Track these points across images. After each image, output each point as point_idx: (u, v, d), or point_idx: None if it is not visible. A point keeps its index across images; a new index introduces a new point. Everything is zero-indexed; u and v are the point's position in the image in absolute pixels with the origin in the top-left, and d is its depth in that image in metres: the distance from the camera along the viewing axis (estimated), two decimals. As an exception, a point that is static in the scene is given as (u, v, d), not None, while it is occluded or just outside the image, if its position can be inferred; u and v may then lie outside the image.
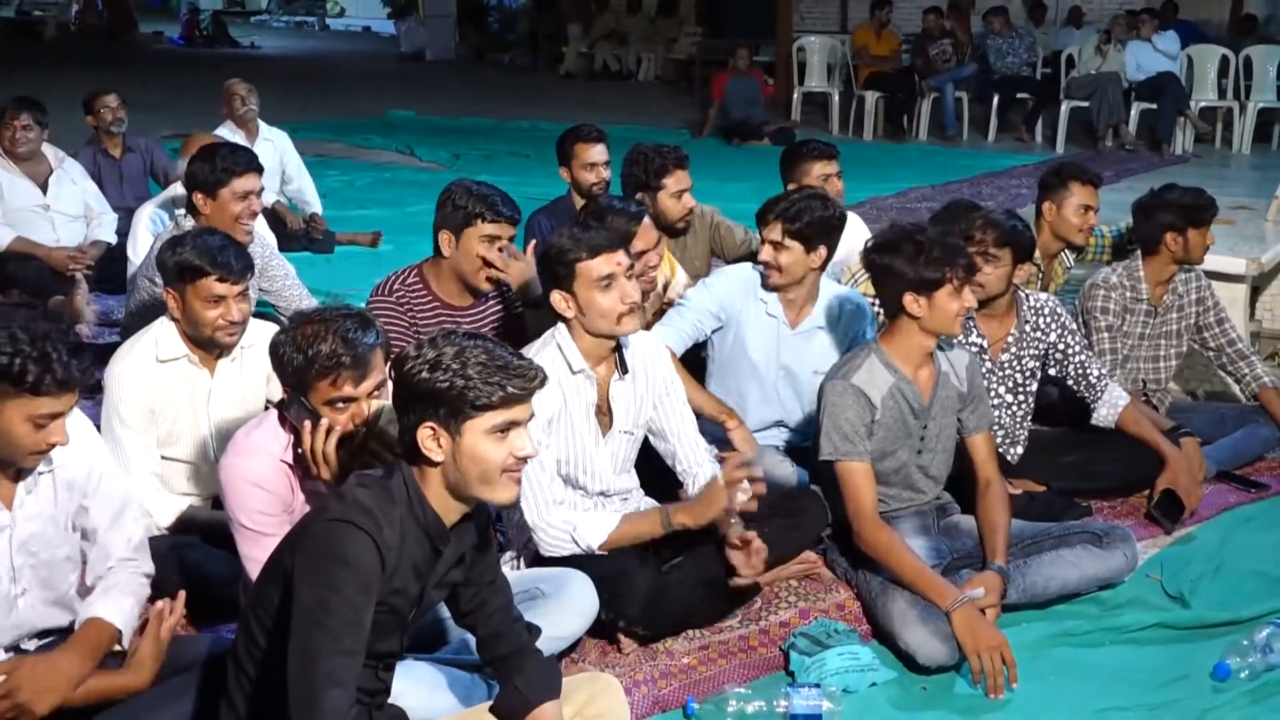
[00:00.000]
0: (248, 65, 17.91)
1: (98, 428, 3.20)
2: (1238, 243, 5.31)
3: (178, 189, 5.28)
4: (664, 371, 3.42)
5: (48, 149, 6.21)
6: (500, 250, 3.73)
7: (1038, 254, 4.31)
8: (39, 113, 6.09)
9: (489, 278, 3.76)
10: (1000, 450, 3.90)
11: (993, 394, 3.90)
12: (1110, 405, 4.06)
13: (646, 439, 3.46)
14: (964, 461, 3.53)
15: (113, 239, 6.15)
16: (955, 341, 3.53)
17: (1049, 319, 4.02)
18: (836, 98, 13.51)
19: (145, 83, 14.56)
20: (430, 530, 2.31)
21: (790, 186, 4.75)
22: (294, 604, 2.18)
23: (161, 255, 3.36)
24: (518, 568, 3.26)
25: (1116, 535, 3.51)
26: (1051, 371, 4.09)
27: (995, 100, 12.72)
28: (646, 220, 3.88)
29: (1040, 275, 4.54)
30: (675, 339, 3.89)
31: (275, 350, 2.68)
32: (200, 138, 5.15)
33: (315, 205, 7.46)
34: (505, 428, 2.25)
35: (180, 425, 3.40)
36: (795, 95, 13.66)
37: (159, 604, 2.70)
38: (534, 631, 2.62)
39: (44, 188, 6.13)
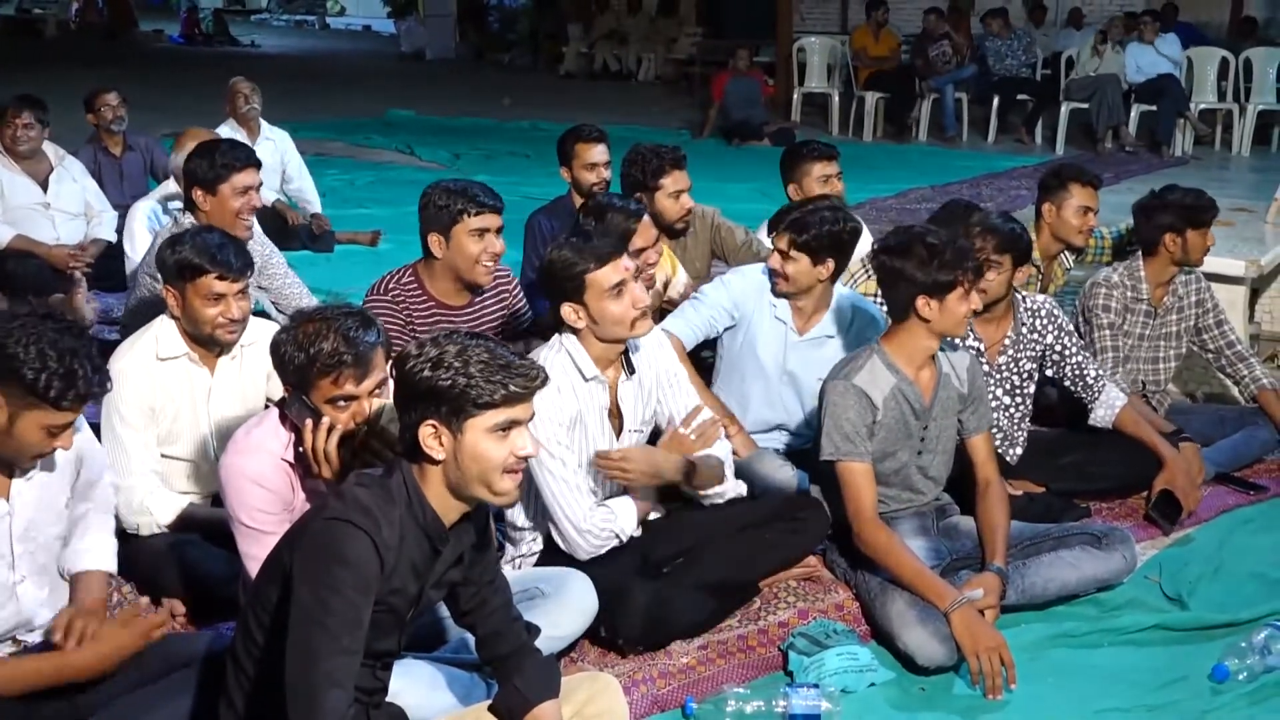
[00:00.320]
0: (248, 64, 17.93)
1: (97, 426, 3.21)
2: (1237, 245, 5.31)
3: (171, 185, 5.28)
4: (666, 364, 3.42)
5: (48, 147, 6.21)
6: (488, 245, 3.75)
7: (1037, 255, 4.32)
8: (40, 111, 6.09)
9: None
10: (999, 451, 3.90)
11: (990, 396, 3.90)
12: (1108, 406, 4.06)
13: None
14: (963, 462, 3.53)
15: (113, 237, 6.15)
16: (956, 342, 3.53)
17: (1046, 320, 4.02)
18: (836, 98, 13.51)
19: (145, 81, 14.55)
20: (429, 530, 2.31)
21: (790, 187, 4.76)
22: (293, 603, 2.18)
23: (161, 253, 3.36)
24: (518, 568, 3.26)
25: (1115, 537, 3.51)
26: (1049, 373, 4.09)
27: (995, 101, 12.73)
28: (645, 218, 3.88)
29: (1040, 276, 4.55)
30: (688, 332, 3.89)
31: (277, 348, 2.68)
32: (194, 133, 5.10)
33: (316, 205, 7.47)
34: (507, 426, 2.26)
35: (180, 423, 3.40)
36: (795, 96, 13.67)
37: (161, 611, 2.70)
38: (533, 631, 2.62)
39: (44, 186, 6.14)
